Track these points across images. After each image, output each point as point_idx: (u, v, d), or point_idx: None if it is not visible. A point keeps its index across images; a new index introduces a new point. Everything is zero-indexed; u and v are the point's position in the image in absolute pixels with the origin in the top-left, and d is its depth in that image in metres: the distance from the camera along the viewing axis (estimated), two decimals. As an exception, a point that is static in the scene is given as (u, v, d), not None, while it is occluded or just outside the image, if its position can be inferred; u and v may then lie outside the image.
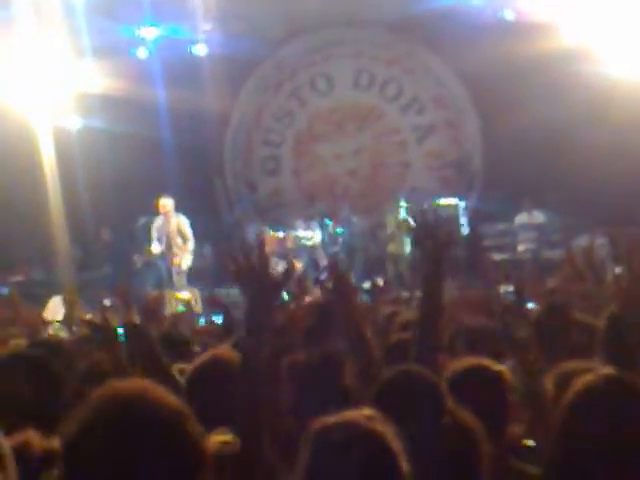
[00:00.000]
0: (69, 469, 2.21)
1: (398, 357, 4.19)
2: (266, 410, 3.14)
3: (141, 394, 2.25)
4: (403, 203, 17.49)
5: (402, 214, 17.35)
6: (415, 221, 4.41)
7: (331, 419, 2.73)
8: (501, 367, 4.08)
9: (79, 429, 2.19)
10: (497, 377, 3.97)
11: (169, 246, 15.60)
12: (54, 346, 5.40)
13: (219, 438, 3.30)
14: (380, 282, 15.94)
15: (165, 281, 15.65)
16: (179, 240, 15.62)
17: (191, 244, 15.69)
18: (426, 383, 3.48)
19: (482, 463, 3.38)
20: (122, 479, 2.16)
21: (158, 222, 15.62)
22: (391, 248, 17.46)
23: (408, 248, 17.31)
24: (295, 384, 4.03)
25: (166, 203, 15.58)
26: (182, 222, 15.62)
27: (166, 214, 15.55)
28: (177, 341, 5.93)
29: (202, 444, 2.29)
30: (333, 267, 4.57)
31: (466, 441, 3.41)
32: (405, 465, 2.66)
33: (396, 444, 2.68)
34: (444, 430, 3.37)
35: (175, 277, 15.65)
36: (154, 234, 15.64)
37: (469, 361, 4.05)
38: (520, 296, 5.34)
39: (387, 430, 2.71)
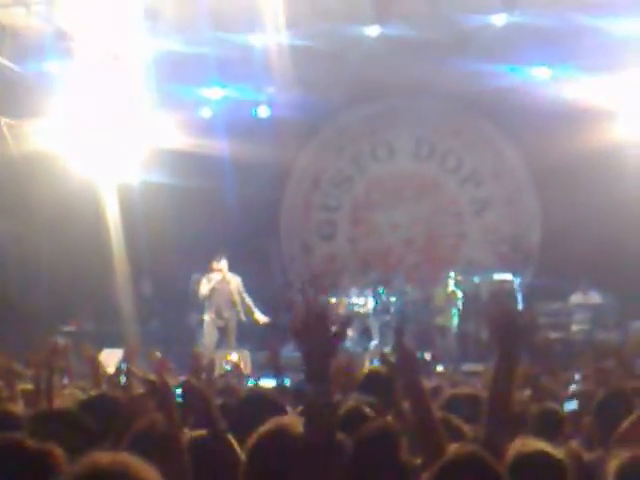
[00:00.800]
0: None
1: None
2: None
3: (121, 469, 2.24)
4: (452, 275, 17.41)
5: (451, 286, 17.26)
6: (489, 305, 4.32)
7: None
8: (562, 453, 3.98)
9: None
10: (558, 464, 3.88)
11: (231, 305, 15.78)
12: (110, 406, 5.37)
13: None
14: (428, 356, 15.91)
15: (218, 341, 15.74)
16: (238, 299, 15.81)
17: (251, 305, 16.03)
18: (488, 469, 3.40)
19: None
20: None
21: (216, 278, 15.77)
22: (439, 321, 17.34)
23: (456, 321, 17.19)
24: (348, 459, 3.95)
25: (222, 265, 15.82)
26: (240, 282, 15.90)
27: (223, 274, 15.69)
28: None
29: None
30: (400, 337, 4.51)
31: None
32: None
33: None
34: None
35: (230, 337, 15.78)
36: (205, 288, 15.71)
37: (531, 445, 3.96)
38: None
39: None
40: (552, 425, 5.50)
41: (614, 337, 15.92)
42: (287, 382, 9.56)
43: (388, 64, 17.74)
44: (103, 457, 2.30)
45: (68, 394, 6.92)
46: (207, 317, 15.97)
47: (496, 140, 19.80)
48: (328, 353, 3.26)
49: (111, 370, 11.90)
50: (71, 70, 17.62)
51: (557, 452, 4.00)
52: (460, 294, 17.19)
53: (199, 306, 16.59)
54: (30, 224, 18.27)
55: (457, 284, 17.33)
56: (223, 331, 15.88)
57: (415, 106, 20.03)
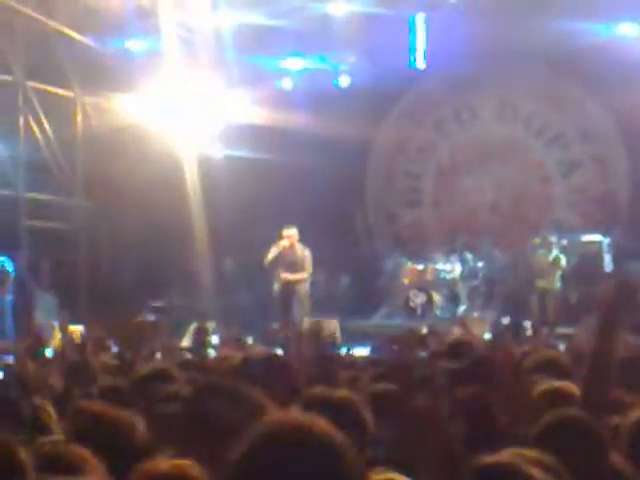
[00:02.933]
0: None
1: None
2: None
3: (311, 423, 2.23)
4: (554, 239, 17.11)
5: (555, 251, 16.97)
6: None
7: (494, 459, 2.66)
8: None
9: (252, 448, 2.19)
10: None
11: (295, 272, 15.45)
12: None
13: (382, 477, 3.25)
14: (528, 324, 15.78)
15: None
16: (303, 269, 15.43)
17: (307, 275, 15.59)
18: (590, 433, 3.37)
19: None
20: None
21: (283, 244, 15.44)
22: (541, 283, 17.04)
23: (559, 284, 16.94)
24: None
25: (292, 233, 15.45)
26: (307, 255, 15.47)
27: (292, 243, 15.42)
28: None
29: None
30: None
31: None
32: None
33: None
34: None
35: (302, 304, 15.50)
36: (274, 251, 15.45)
37: None
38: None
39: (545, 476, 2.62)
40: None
41: None
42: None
43: (470, 27, 17.53)
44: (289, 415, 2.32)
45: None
46: (275, 285, 15.64)
47: (583, 99, 19.41)
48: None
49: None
50: (152, 47, 17.79)
51: None
52: (564, 259, 16.90)
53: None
54: (118, 202, 18.53)
55: (561, 249, 17.06)
56: (291, 298, 15.46)
57: (499, 69, 19.75)
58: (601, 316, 3.95)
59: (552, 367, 6.22)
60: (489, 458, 2.67)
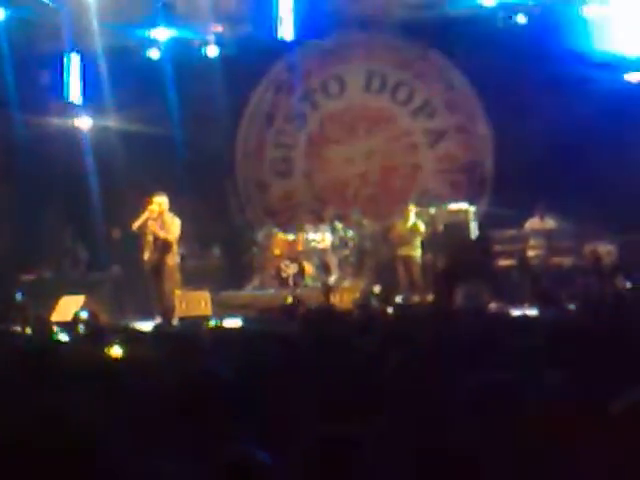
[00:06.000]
0: None
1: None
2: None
3: None
4: (413, 207, 17.45)
5: (412, 218, 17.32)
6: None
7: None
8: None
9: None
10: None
11: (164, 245, 14.93)
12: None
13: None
14: (377, 289, 16.10)
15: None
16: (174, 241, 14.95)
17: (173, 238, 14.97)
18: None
19: None
20: None
21: (151, 210, 14.82)
22: (403, 251, 17.37)
23: (419, 252, 17.27)
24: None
25: (162, 201, 14.84)
26: (176, 223, 14.91)
27: (162, 212, 14.81)
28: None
29: None
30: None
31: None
32: None
33: None
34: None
35: (171, 278, 15.11)
36: (143, 216, 14.80)
37: None
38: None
39: None
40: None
41: (567, 261, 16.16)
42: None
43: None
44: None
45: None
46: (145, 255, 14.98)
47: (446, 69, 19.70)
48: None
49: (68, 318, 11.92)
50: (13, 15, 17.42)
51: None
52: (423, 226, 17.23)
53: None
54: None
55: (417, 215, 17.38)
56: (161, 269, 14.90)
57: (365, 39, 19.88)
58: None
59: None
60: None
